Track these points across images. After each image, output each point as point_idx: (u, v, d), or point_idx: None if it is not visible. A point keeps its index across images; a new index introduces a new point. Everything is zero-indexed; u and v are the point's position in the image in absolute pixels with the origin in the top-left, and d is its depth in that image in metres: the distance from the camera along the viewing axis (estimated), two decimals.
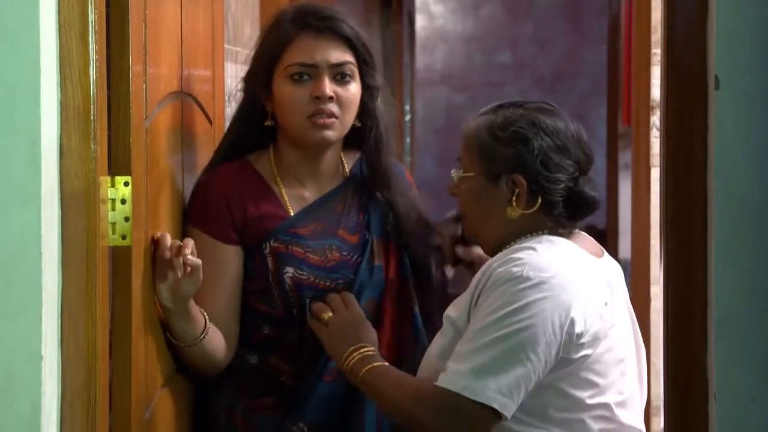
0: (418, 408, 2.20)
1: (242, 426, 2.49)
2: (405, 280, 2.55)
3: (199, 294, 2.37)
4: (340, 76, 2.47)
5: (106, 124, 2.02)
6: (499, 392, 2.13)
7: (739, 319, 2.01)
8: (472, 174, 2.33)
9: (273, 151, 2.55)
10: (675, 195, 2.09)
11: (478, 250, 2.57)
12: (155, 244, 2.26)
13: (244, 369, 2.51)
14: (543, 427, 2.21)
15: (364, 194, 2.57)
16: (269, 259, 2.47)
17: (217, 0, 2.87)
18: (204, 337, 2.38)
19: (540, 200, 2.28)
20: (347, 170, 2.59)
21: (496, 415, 2.15)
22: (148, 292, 2.25)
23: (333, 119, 2.46)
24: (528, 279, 2.17)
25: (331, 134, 2.47)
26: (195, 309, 2.36)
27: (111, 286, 2.08)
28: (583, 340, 2.20)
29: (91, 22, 1.93)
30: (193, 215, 2.48)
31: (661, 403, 2.43)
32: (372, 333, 2.41)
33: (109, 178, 2.06)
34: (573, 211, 2.30)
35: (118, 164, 2.09)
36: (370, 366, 2.31)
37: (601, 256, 2.35)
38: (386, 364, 2.33)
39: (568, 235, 2.32)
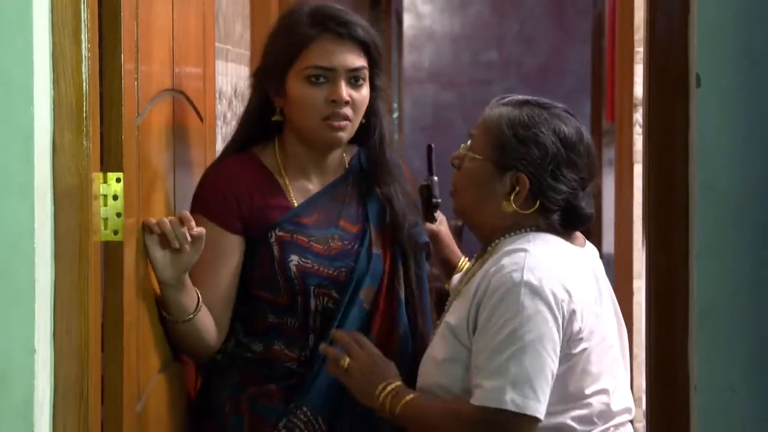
0: (463, 429, 2.25)
1: (248, 414, 2.52)
2: (395, 269, 2.59)
3: (197, 278, 2.42)
4: (354, 79, 2.52)
5: (99, 121, 2.03)
6: (537, 400, 2.21)
7: (721, 312, 2.02)
8: (480, 157, 2.36)
9: (278, 144, 2.59)
10: (657, 190, 2.10)
11: (444, 228, 2.72)
12: (151, 226, 2.30)
13: (249, 358, 2.55)
14: (552, 414, 2.26)
15: (362, 186, 2.62)
16: (275, 248, 2.51)
17: None
18: (197, 314, 2.42)
19: (538, 204, 2.33)
20: (347, 163, 2.64)
21: (536, 420, 2.22)
22: (140, 286, 2.27)
23: (347, 122, 2.51)
24: (527, 284, 2.22)
25: (343, 135, 2.53)
26: (189, 284, 2.41)
27: (103, 280, 2.09)
28: (581, 335, 2.27)
29: (84, 20, 1.95)
30: (200, 203, 2.53)
31: (644, 395, 2.45)
32: (390, 365, 2.44)
33: (101, 175, 2.07)
34: (566, 221, 2.35)
35: (110, 161, 2.11)
36: (404, 401, 2.34)
37: (583, 245, 2.41)
38: (415, 394, 2.36)
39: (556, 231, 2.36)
